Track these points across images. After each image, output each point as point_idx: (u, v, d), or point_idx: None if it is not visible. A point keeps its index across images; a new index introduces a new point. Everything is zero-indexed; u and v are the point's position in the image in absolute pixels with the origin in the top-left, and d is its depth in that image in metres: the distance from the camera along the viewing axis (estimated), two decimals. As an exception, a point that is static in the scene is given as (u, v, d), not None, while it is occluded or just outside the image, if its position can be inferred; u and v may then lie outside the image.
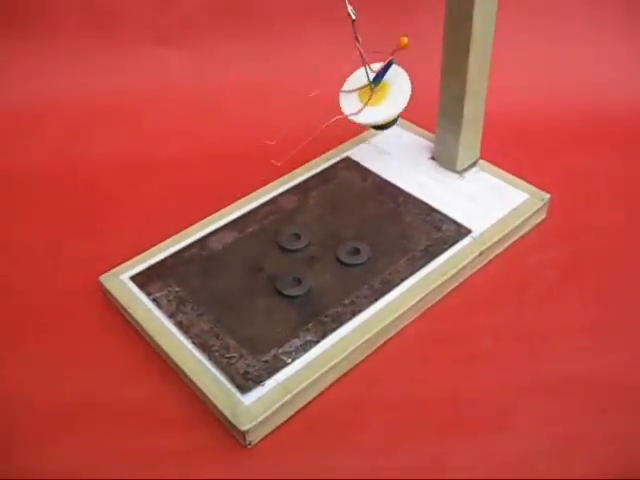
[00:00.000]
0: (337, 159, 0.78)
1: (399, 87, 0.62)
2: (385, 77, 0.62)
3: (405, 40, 0.59)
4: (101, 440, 0.54)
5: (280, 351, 0.57)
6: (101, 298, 0.65)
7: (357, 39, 0.59)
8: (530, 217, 0.70)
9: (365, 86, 0.62)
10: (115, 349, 0.61)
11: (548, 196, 0.71)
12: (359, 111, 0.61)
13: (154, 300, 0.62)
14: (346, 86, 0.63)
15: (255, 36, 0.91)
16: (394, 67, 0.63)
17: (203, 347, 0.58)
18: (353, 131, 0.82)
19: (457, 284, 0.65)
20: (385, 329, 0.59)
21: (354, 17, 0.58)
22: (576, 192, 0.76)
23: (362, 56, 0.60)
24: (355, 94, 0.62)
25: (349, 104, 0.62)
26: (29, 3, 0.88)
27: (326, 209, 0.71)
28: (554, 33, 0.91)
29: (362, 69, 0.62)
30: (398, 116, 0.63)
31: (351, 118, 0.61)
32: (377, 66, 0.62)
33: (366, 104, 0.61)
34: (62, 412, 0.56)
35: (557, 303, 0.63)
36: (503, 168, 0.75)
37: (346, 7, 0.57)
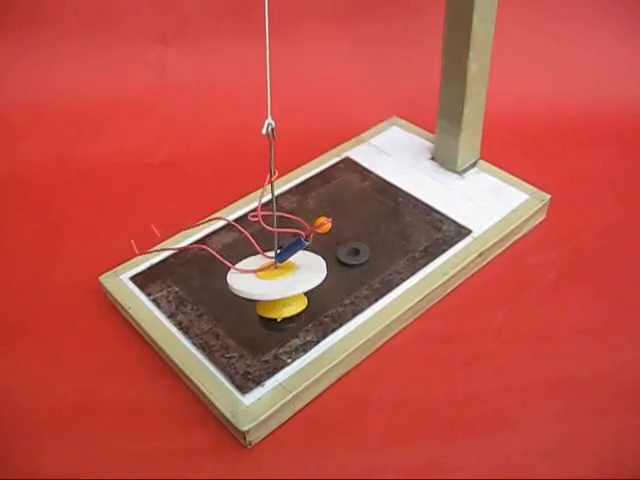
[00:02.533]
0: (337, 159, 0.78)
1: (310, 271, 0.52)
2: (293, 258, 0.53)
3: (321, 220, 0.49)
4: (101, 440, 0.54)
5: (280, 351, 0.57)
6: (101, 298, 0.65)
7: (271, 173, 0.48)
8: (530, 217, 0.70)
9: (267, 264, 0.53)
10: (115, 349, 0.61)
11: (548, 196, 0.71)
12: (254, 285, 0.51)
13: (154, 300, 0.62)
14: (240, 265, 0.53)
15: (255, 36, 0.91)
16: (306, 253, 0.54)
17: (203, 347, 0.58)
18: (353, 132, 0.82)
19: (457, 284, 0.65)
20: (385, 329, 0.59)
21: (265, 132, 0.45)
22: (576, 192, 0.76)
23: (274, 209, 0.51)
24: (253, 272, 0.52)
25: (241, 281, 0.52)
26: (29, 3, 0.88)
27: (326, 209, 0.71)
28: (554, 33, 0.91)
29: (255, 257, 0.53)
30: (305, 307, 0.53)
31: (240, 292, 0.50)
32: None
33: (264, 278, 0.51)
34: (62, 412, 0.56)
35: (557, 303, 0.63)
36: (503, 168, 0.75)
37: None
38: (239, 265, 0.53)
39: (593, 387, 0.56)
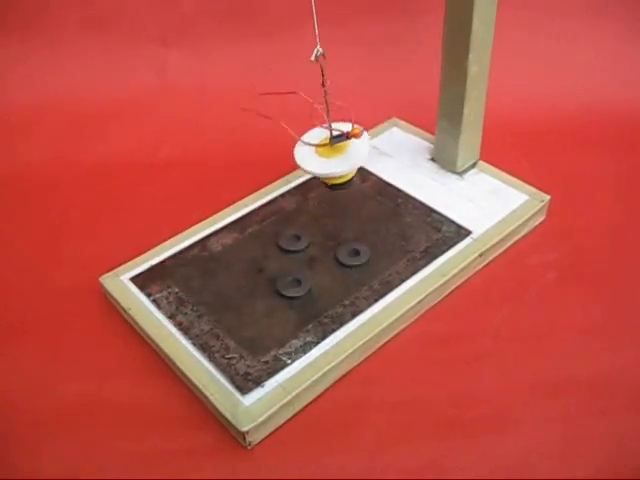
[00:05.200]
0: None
1: (357, 147, 0.59)
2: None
3: (357, 130, 0.58)
4: (101, 440, 0.54)
5: (280, 352, 0.57)
6: (101, 299, 0.66)
7: (323, 84, 0.58)
8: (530, 218, 0.70)
9: (324, 141, 0.60)
10: (115, 350, 0.61)
11: (548, 197, 0.71)
12: (313, 161, 0.59)
13: (154, 301, 0.62)
14: (305, 137, 0.61)
15: (255, 36, 0.92)
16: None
17: (203, 348, 0.58)
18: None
19: (457, 285, 0.65)
20: (385, 330, 0.59)
21: (314, 58, 0.56)
22: (576, 193, 0.76)
23: (327, 107, 0.58)
24: (312, 147, 0.60)
25: (303, 153, 0.60)
26: (28, 3, 0.88)
27: (326, 210, 0.71)
28: (554, 33, 0.91)
29: (320, 128, 0.61)
30: (352, 179, 0.61)
31: (303, 166, 0.59)
32: (342, 126, 0.60)
33: (319, 153, 0.59)
34: (62, 412, 0.56)
35: (557, 304, 0.63)
36: (503, 169, 0.75)
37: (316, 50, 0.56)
38: (305, 138, 0.61)
39: (593, 387, 0.56)
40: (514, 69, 0.89)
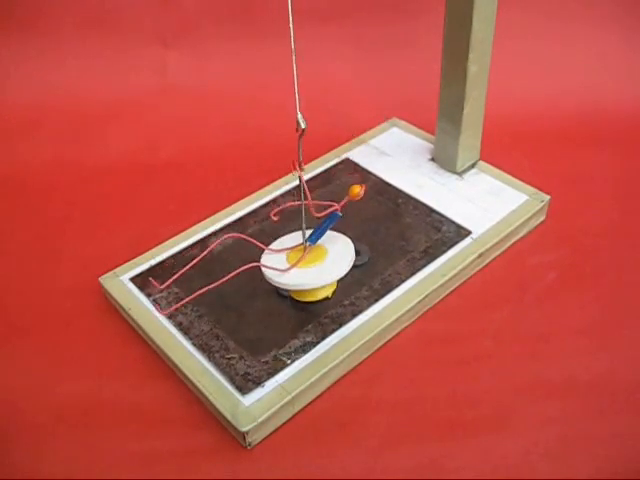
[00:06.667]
0: (337, 160, 0.78)
1: (340, 253, 0.55)
2: (324, 238, 0.55)
3: (357, 189, 0.52)
4: (100, 440, 0.54)
5: (280, 352, 0.57)
6: (101, 299, 0.66)
7: (299, 166, 0.50)
8: (530, 218, 0.70)
9: (297, 246, 0.56)
10: (115, 350, 0.61)
11: (548, 197, 0.71)
12: (285, 270, 0.54)
13: (154, 301, 0.62)
14: (274, 245, 0.57)
15: (255, 36, 0.92)
16: (333, 233, 0.56)
17: (203, 348, 0.58)
18: (353, 132, 0.82)
19: (457, 285, 0.65)
20: (385, 330, 0.59)
21: (303, 126, 0.48)
22: (576, 193, 0.76)
23: (304, 190, 0.52)
24: (283, 254, 0.56)
25: (274, 263, 0.55)
26: (28, 3, 0.88)
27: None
28: (554, 33, 0.91)
29: (292, 234, 0.56)
30: (333, 293, 0.57)
31: (274, 279, 0.53)
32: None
33: (294, 265, 0.53)
34: (62, 412, 0.56)
35: (556, 304, 0.63)
36: (503, 169, 0.75)
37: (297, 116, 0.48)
38: (272, 246, 0.56)
39: (592, 387, 0.56)
40: (514, 69, 0.89)
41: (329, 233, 0.55)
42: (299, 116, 0.48)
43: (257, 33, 0.92)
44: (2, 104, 0.89)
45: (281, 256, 0.55)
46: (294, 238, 0.57)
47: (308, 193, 0.51)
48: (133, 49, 0.91)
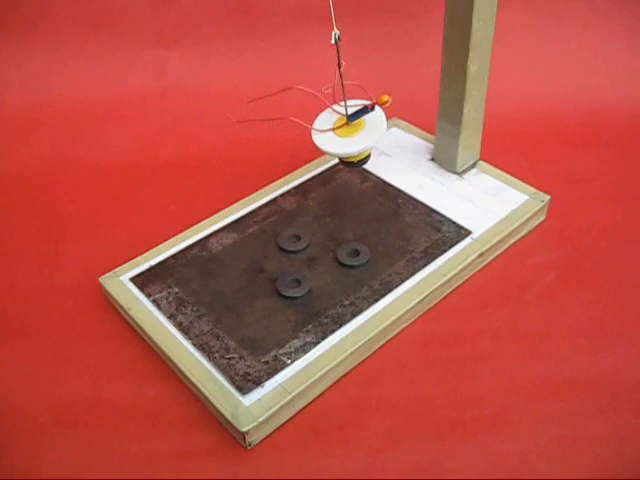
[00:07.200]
0: (337, 160, 0.78)
1: (374, 123, 0.60)
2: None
3: (385, 98, 0.59)
4: (100, 440, 0.54)
5: (280, 352, 0.57)
6: (101, 299, 0.66)
7: (339, 64, 0.58)
8: (530, 218, 0.70)
9: (340, 120, 0.61)
10: (115, 350, 0.61)
11: (548, 197, 0.71)
12: (331, 142, 0.60)
13: (154, 301, 0.62)
14: (317, 124, 0.62)
15: (255, 36, 0.92)
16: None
17: (203, 348, 0.58)
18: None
19: (457, 285, 0.65)
20: (385, 330, 0.59)
21: (334, 40, 0.57)
22: (576, 193, 0.76)
23: (342, 86, 0.59)
24: (330, 128, 0.61)
25: (323, 138, 0.61)
26: (29, 3, 0.88)
27: (326, 210, 0.71)
28: (554, 33, 0.91)
29: (326, 112, 0.62)
30: (369, 155, 0.62)
31: (323, 148, 0.59)
32: (354, 102, 0.61)
33: (339, 135, 0.60)
34: (61, 412, 0.56)
35: (557, 304, 0.63)
36: (503, 169, 0.75)
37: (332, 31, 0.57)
38: (316, 124, 0.61)
39: (592, 387, 0.56)
40: (514, 69, 0.89)
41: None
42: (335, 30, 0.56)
43: (257, 34, 0.92)
44: (2, 104, 0.89)
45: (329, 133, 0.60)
46: (327, 118, 0.62)
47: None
48: (133, 49, 0.91)
